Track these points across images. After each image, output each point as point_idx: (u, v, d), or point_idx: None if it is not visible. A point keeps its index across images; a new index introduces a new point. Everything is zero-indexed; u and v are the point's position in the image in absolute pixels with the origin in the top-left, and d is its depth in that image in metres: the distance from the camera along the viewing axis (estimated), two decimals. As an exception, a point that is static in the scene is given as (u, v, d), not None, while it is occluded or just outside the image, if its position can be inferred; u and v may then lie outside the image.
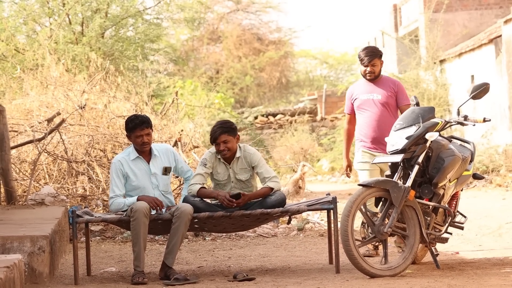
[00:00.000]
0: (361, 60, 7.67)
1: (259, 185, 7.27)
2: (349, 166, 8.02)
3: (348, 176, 8.12)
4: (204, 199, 7.05)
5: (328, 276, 6.65)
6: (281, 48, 35.36)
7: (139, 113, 12.00)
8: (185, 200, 7.00)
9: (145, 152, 7.03)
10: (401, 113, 7.47)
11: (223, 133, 7.00)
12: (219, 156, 7.11)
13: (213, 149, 7.18)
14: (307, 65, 42.53)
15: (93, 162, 10.96)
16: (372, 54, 7.64)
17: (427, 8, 22.39)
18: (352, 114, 7.86)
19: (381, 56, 7.70)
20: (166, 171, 7.06)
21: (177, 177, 10.14)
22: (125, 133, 7.14)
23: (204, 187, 7.07)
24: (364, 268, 6.36)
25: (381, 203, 6.58)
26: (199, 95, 24.97)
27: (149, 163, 7.02)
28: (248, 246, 9.08)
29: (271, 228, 10.07)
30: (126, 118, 7.37)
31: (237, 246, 9.08)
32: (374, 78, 7.69)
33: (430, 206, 6.60)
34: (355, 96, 7.80)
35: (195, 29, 28.13)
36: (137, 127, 6.92)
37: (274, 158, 24.39)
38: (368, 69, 7.65)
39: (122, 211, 6.95)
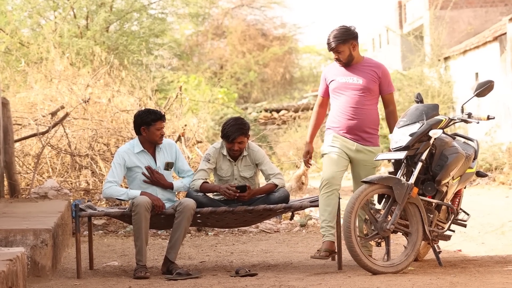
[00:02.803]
0: (328, 44, 6.85)
1: (261, 182, 7.27)
2: (310, 153, 7.16)
3: (307, 165, 7.20)
4: (207, 194, 7.05)
5: (330, 272, 6.65)
6: (285, 44, 35.33)
7: (143, 107, 12.02)
8: (188, 195, 7.02)
9: (152, 146, 7.04)
10: (384, 103, 7.01)
11: (241, 135, 7.00)
12: (224, 153, 7.11)
13: (217, 144, 7.18)
14: (311, 61, 42.48)
15: (96, 156, 10.98)
16: (335, 40, 6.79)
17: (432, 5, 22.36)
18: (325, 97, 7.04)
19: (346, 40, 6.78)
20: (168, 166, 7.08)
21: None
22: (133, 126, 7.12)
23: (207, 182, 7.07)
24: (366, 264, 6.36)
25: (384, 200, 6.58)
26: (203, 90, 24.96)
27: (153, 157, 7.04)
28: (250, 241, 9.09)
29: (273, 224, 10.07)
30: (132, 112, 7.38)
31: (240, 242, 9.08)
32: (345, 64, 6.85)
33: (433, 204, 6.60)
34: (332, 78, 6.94)
35: (199, 24, 28.12)
36: (159, 120, 6.98)
37: (277, 154, 24.38)
38: (334, 55, 6.86)
39: (118, 199, 6.95)
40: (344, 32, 6.81)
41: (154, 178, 6.99)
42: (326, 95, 7.05)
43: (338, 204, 6.78)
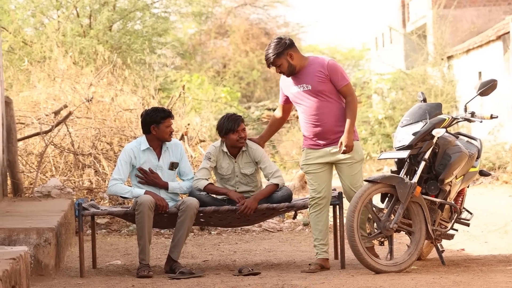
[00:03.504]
0: (266, 61, 6.74)
1: (263, 180, 7.28)
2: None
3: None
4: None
5: (333, 271, 6.65)
6: (288, 43, 35.27)
7: (146, 107, 12.03)
8: (191, 194, 7.03)
9: (160, 142, 7.05)
10: (341, 95, 6.69)
11: (242, 121, 7.07)
12: (224, 149, 7.13)
13: (216, 143, 7.21)
14: (314, 60, 42.42)
15: (99, 155, 10.98)
16: (270, 55, 6.64)
17: (435, 4, 22.35)
18: (284, 105, 6.94)
19: (281, 53, 6.61)
20: (173, 166, 7.08)
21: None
22: (141, 125, 7.14)
23: (212, 183, 7.09)
24: (369, 263, 6.36)
25: (387, 199, 6.57)
26: (206, 89, 24.97)
27: (159, 156, 7.04)
28: (253, 240, 9.09)
29: (276, 223, 10.07)
30: (136, 111, 7.39)
31: (243, 241, 9.08)
32: (289, 75, 6.70)
33: (436, 203, 6.59)
34: (286, 89, 6.84)
35: (202, 23, 28.16)
36: (168, 117, 7.01)
37: (281, 153, 24.39)
38: (276, 70, 6.73)
39: (122, 197, 6.97)
40: (276, 45, 6.64)
41: (150, 178, 6.98)
42: (284, 102, 6.94)
43: (344, 208, 6.79)
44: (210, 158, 7.13)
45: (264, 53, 6.74)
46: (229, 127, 7.04)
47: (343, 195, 6.85)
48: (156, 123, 7.00)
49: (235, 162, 7.12)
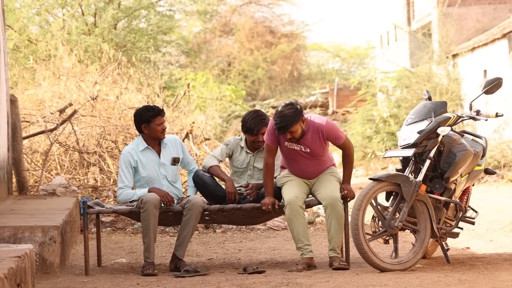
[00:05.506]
0: (279, 128, 6.60)
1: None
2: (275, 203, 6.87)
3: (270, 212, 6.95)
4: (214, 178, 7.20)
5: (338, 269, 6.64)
6: (293, 41, 35.31)
7: (151, 104, 12.04)
8: (196, 174, 7.13)
9: (157, 140, 7.05)
10: (342, 149, 6.83)
11: (264, 126, 7.09)
12: (242, 145, 7.23)
13: (238, 137, 7.33)
14: (319, 59, 42.43)
15: (104, 153, 10.99)
16: (288, 122, 6.57)
17: (440, 2, 22.31)
18: (275, 147, 6.88)
19: (298, 119, 6.59)
20: (175, 161, 7.10)
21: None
22: (135, 125, 7.13)
23: (218, 166, 7.19)
24: (374, 262, 6.35)
25: (392, 197, 6.57)
26: (211, 88, 24.95)
27: (158, 153, 7.05)
28: (258, 239, 9.09)
29: (281, 221, 10.07)
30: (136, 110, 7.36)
31: (247, 239, 9.08)
32: (300, 138, 6.70)
33: (441, 201, 6.59)
34: (280, 140, 6.80)
35: (207, 22, 28.16)
36: (158, 115, 7.00)
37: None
38: (287, 136, 6.63)
39: (130, 201, 6.99)
40: (294, 112, 6.58)
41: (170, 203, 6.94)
42: (275, 144, 6.84)
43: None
44: (227, 145, 7.27)
45: (275, 119, 6.57)
46: (250, 128, 7.11)
47: (322, 202, 6.75)
48: (146, 122, 7.00)
49: (252, 155, 7.18)
